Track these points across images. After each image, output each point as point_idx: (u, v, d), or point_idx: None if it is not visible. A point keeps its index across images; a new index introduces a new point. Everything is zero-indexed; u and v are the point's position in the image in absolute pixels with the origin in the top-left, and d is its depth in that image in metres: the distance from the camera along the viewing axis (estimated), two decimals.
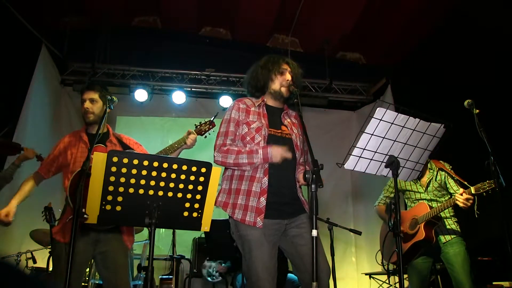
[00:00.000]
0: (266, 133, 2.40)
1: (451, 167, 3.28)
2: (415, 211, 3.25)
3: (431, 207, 3.14)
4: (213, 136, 2.90)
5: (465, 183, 3.02)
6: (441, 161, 3.33)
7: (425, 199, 3.27)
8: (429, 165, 3.34)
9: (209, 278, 4.29)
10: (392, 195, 3.47)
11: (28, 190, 2.74)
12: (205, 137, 3.05)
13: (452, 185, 3.23)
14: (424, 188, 3.30)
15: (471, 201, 2.91)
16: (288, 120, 2.57)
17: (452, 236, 3.16)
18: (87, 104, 2.74)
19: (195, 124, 3.06)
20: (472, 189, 2.89)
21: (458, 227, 3.22)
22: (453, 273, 3.07)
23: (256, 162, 2.30)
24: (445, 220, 3.22)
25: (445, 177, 3.27)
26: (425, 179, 3.32)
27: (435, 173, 3.29)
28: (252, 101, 2.56)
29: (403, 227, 3.26)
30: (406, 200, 3.48)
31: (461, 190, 2.99)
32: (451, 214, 3.25)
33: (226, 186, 2.42)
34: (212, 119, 3.07)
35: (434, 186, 3.27)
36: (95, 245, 2.61)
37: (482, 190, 2.82)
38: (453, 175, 3.18)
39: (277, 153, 2.27)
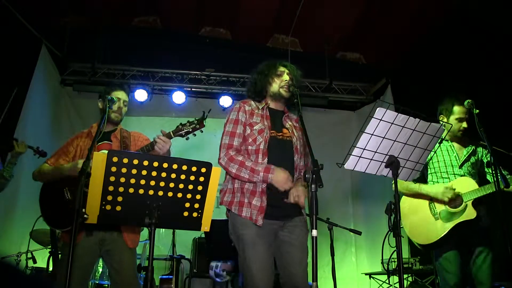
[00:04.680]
0: (268, 135, 2.43)
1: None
2: (456, 186, 2.87)
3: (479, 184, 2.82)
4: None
5: None
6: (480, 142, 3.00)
7: (458, 175, 2.95)
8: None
9: (217, 279, 4.20)
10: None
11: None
12: (187, 138, 2.65)
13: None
14: (459, 162, 2.97)
15: None
16: (290, 123, 2.59)
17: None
18: (120, 104, 2.78)
19: (180, 123, 2.64)
20: None
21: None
22: (477, 268, 2.82)
23: (255, 181, 2.32)
24: None
25: (482, 154, 3.02)
26: (462, 151, 3.01)
27: (473, 147, 3.03)
28: (256, 104, 2.58)
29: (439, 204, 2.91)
30: (431, 176, 3.06)
31: None
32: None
33: (230, 186, 2.43)
34: (202, 118, 2.64)
35: (471, 161, 2.99)
36: (100, 244, 2.59)
37: None
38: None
39: (277, 179, 2.26)
